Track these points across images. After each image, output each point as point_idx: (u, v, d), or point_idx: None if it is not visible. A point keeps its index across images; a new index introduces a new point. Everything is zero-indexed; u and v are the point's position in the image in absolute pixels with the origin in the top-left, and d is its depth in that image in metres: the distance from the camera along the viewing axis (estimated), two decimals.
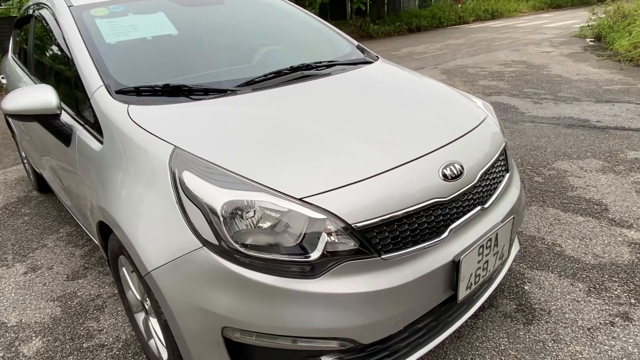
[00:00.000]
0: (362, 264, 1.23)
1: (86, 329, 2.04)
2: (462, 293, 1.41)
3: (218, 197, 1.22)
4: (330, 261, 1.20)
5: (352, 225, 1.21)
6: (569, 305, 1.95)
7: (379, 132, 1.51)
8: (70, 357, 1.88)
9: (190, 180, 1.28)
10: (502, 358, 1.70)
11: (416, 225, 1.32)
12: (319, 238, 1.20)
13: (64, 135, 1.87)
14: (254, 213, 1.20)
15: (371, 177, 1.31)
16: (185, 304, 1.25)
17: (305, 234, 1.19)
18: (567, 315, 1.89)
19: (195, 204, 1.24)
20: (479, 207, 1.51)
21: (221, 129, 1.47)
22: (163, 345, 1.58)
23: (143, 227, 1.32)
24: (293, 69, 1.95)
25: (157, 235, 1.28)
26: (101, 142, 1.61)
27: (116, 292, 2.30)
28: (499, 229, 1.52)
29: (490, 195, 1.59)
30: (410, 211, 1.30)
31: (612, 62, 7.39)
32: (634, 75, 6.33)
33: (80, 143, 1.76)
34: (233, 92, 1.72)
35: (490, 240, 1.48)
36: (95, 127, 1.68)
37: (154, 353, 1.69)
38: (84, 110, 1.78)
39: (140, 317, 1.78)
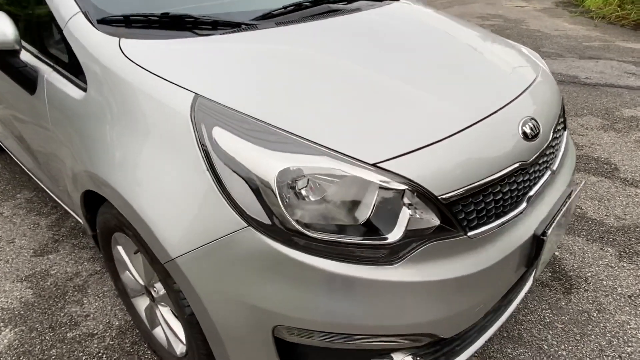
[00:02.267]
0: (446, 245, 1.00)
1: (68, 314, 1.72)
2: (540, 270, 1.24)
3: (270, 164, 0.92)
4: (412, 243, 0.96)
5: (439, 197, 0.97)
6: (603, 271, 1.86)
7: (441, 81, 1.24)
8: (53, 350, 1.58)
9: (226, 139, 0.97)
10: (550, 332, 1.59)
11: (500, 195, 1.11)
12: (398, 214, 0.95)
13: (26, 80, 1.45)
14: (318, 184, 0.93)
15: (449, 136, 1.05)
16: (224, 298, 0.98)
17: (382, 209, 0.94)
18: (604, 282, 1.80)
19: (235, 172, 0.94)
20: (549, 172, 1.31)
21: (249, 73, 1.15)
22: (178, 338, 1.32)
23: (161, 202, 1.00)
24: (315, 1, 1.60)
25: (183, 212, 0.98)
26: (83, 89, 1.24)
27: (98, 269, 1.97)
28: (574, 197, 1.34)
29: (556, 156, 1.39)
30: (496, 178, 1.08)
31: (584, 18, 7.37)
32: (610, 33, 6.33)
33: (50, 90, 1.36)
34: (251, 26, 1.37)
35: (568, 210, 1.30)
36: (71, 68, 1.29)
37: (161, 344, 1.43)
38: (54, 45, 1.37)
39: (141, 302, 1.49)
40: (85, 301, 1.79)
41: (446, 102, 1.15)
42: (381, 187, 0.93)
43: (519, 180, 1.16)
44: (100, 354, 1.56)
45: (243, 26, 1.36)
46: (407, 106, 1.10)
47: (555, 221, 1.22)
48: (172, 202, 0.99)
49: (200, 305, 1.01)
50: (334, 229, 0.93)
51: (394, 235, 0.94)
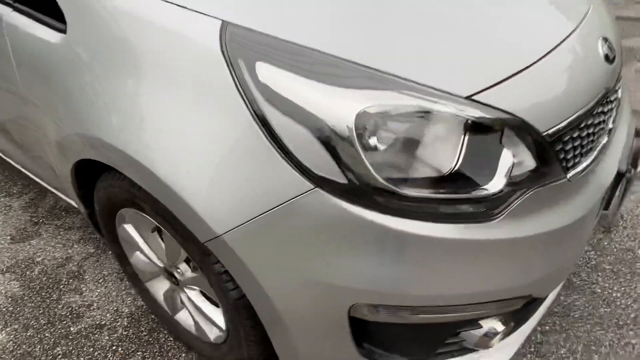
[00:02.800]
0: (546, 192, 0.84)
1: (67, 306, 1.50)
2: (616, 214, 1.12)
3: (345, 105, 0.71)
4: (514, 192, 0.80)
5: (543, 133, 0.80)
6: (636, 207, 1.80)
7: (509, 8, 1.04)
8: (58, 348, 1.37)
9: (276, 78, 0.74)
10: (599, 274, 1.51)
11: (592, 128, 0.95)
12: (498, 159, 0.78)
13: None
14: (406, 126, 0.73)
15: (537, 61, 0.86)
16: (288, 278, 0.80)
17: (480, 153, 0.76)
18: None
19: (294, 120, 0.73)
20: (617, 101, 1.16)
21: None
22: (212, 323, 1.13)
23: (197, 167, 0.78)
24: None
25: (227, 178, 0.76)
26: (61, 30, 0.96)
27: (92, 251, 1.73)
28: None
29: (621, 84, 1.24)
30: (590, 108, 0.91)
31: None
32: None
33: (14, 36, 1.06)
34: None
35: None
36: (40, 2, 1.00)
37: (187, 330, 1.25)
38: None
39: (158, 286, 1.28)
40: (84, 289, 1.56)
41: (521, 27, 0.95)
42: (478, 125, 0.74)
43: (605, 111, 1.00)
44: (114, 347, 1.36)
45: None
46: (485, 35, 0.89)
47: (632, 156, 1.09)
48: (212, 166, 0.77)
49: (255, 288, 0.82)
50: (426, 184, 0.74)
51: (495, 185, 0.76)
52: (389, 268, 0.77)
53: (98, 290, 1.55)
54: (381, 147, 0.71)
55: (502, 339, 0.97)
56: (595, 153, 0.96)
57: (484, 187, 0.76)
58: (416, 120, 0.72)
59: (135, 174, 0.87)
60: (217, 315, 1.10)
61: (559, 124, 0.82)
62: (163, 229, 0.98)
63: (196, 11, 0.81)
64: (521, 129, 0.76)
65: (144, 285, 1.31)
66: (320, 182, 0.73)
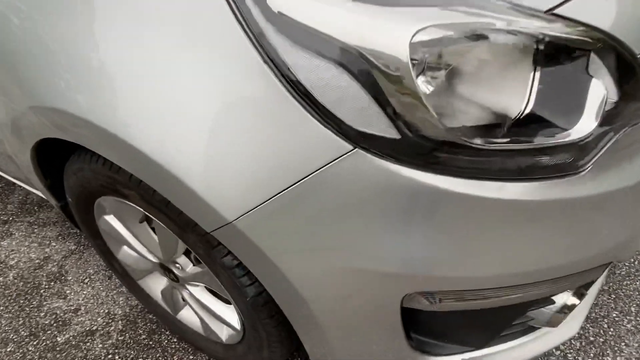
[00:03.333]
0: (629, 135, 0.68)
1: (50, 313, 1.31)
2: None
3: (393, 28, 0.51)
4: (604, 136, 0.63)
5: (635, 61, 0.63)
6: None
7: None
8: None
9: (293, 2, 0.55)
10: None
11: None
12: (587, 92, 0.60)
13: None
14: (475, 55, 0.54)
15: None
16: (322, 268, 0.62)
17: (563, 84, 0.59)
18: None
19: (323, 58, 0.53)
20: None
21: None
22: (223, 322, 0.96)
23: (191, 136, 0.58)
24: None
25: (237, 146, 0.57)
26: None
27: (73, 247, 1.53)
28: None
29: None
30: None
31: None
32: None
33: None
34: None
35: None
36: None
37: (192, 329, 1.08)
38: None
39: (154, 283, 1.09)
40: (68, 291, 1.37)
41: None
42: (564, 48, 0.57)
43: None
44: (110, 356, 1.19)
45: None
46: None
47: None
48: (214, 134, 0.58)
49: (280, 282, 0.65)
50: (501, 131, 0.57)
51: (585, 128, 0.59)
52: (455, 245, 0.59)
53: (84, 292, 1.37)
54: (443, 85, 0.53)
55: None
56: None
57: (569, 131, 0.59)
58: (486, 45, 0.53)
59: (111, 153, 0.67)
60: (229, 313, 0.93)
61: None
62: (154, 219, 0.79)
63: None
64: (616, 51, 0.59)
65: (137, 283, 1.13)
66: (362, 140, 0.54)
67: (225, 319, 0.93)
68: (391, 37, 0.50)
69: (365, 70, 0.52)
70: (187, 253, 0.92)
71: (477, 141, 0.54)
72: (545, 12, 0.56)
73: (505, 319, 0.76)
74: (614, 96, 0.62)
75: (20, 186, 1.39)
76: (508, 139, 0.55)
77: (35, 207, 1.71)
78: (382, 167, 0.55)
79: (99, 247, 1.10)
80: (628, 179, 0.65)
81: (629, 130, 0.64)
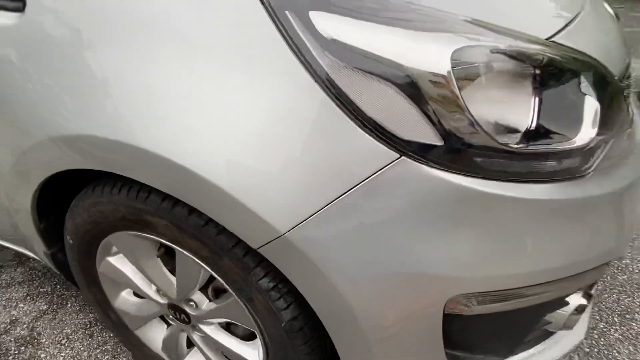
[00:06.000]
0: (617, 141, 0.79)
1: None
2: None
3: (431, 50, 0.58)
4: (600, 144, 0.72)
5: (615, 81, 0.74)
6: None
7: None
8: None
9: (338, 27, 0.59)
10: None
11: (628, 80, 0.93)
12: (583, 105, 0.70)
13: None
14: (495, 74, 0.62)
15: (575, 17, 0.82)
16: (369, 274, 0.63)
17: (573, 101, 0.68)
18: None
19: (369, 74, 0.59)
20: None
21: None
22: None
23: (240, 151, 0.60)
24: None
25: (286, 159, 0.59)
26: (15, 9, 0.73)
27: (44, 307, 1.39)
28: None
29: None
30: (629, 60, 0.89)
31: None
32: None
33: None
34: None
35: None
36: None
37: None
38: None
39: (153, 332, 1.02)
40: (43, 355, 1.23)
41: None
42: (563, 71, 0.67)
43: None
44: None
45: None
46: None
47: None
48: (264, 148, 0.61)
49: (328, 294, 0.64)
50: (527, 137, 0.64)
51: (586, 136, 0.68)
52: (493, 244, 0.64)
53: (63, 354, 1.23)
54: (478, 95, 0.60)
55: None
56: (631, 109, 0.95)
57: (575, 138, 0.68)
58: (514, 63, 0.62)
59: (152, 176, 0.66)
60: (248, 350, 0.89)
61: (620, 69, 0.78)
62: (180, 249, 0.77)
63: None
64: (601, 71, 0.70)
65: (134, 334, 1.05)
66: (408, 148, 0.60)
67: (244, 355, 0.88)
68: (434, 55, 0.58)
69: (410, 84, 0.58)
70: (202, 289, 0.88)
71: (512, 145, 0.61)
72: (546, 39, 0.67)
73: (528, 323, 0.79)
74: (607, 109, 0.74)
75: None
76: (541, 142, 0.63)
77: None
78: (427, 173, 0.60)
79: (94, 296, 1.02)
80: (618, 183, 0.75)
81: (616, 140, 0.75)
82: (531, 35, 0.65)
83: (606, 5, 1.07)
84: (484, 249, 0.63)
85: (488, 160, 0.61)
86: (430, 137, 0.59)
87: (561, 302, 0.80)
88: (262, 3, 0.61)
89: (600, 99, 0.69)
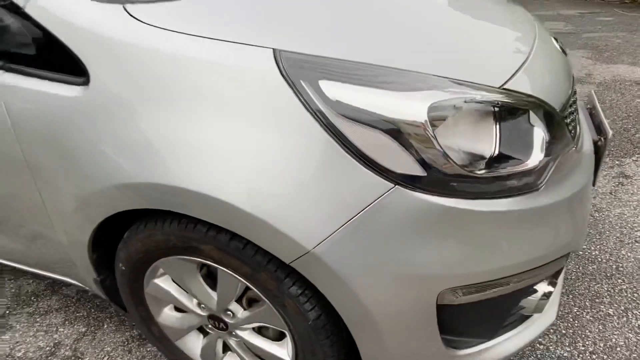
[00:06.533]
0: (565, 160, 0.98)
1: None
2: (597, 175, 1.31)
3: (412, 105, 0.78)
4: (548, 164, 0.92)
5: (557, 113, 0.94)
6: None
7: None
8: None
9: (341, 91, 0.79)
10: None
11: (573, 107, 1.13)
12: (532, 135, 0.90)
13: None
14: (463, 117, 0.82)
15: (525, 60, 1.03)
16: (379, 279, 0.82)
17: (518, 133, 0.88)
18: None
19: (367, 124, 0.78)
20: None
21: (298, 18, 0.95)
22: (274, 358, 1.09)
23: (274, 187, 0.79)
24: None
25: (307, 192, 0.79)
26: (79, 83, 0.91)
27: (83, 330, 1.54)
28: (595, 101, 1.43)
29: None
30: (573, 90, 1.10)
31: None
32: None
33: (11, 99, 0.97)
34: None
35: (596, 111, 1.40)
36: (47, 59, 0.94)
37: None
38: (1, 38, 0.98)
39: (193, 342, 1.19)
40: None
41: (498, 39, 1.11)
42: (513, 109, 0.87)
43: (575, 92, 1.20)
44: None
45: None
46: (475, 45, 1.04)
47: (595, 127, 1.31)
48: (291, 183, 0.79)
49: (348, 298, 0.83)
50: (488, 164, 0.83)
51: (536, 158, 0.88)
52: (470, 247, 0.83)
53: None
54: (450, 137, 0.80)
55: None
56: (578, 128, 1.15)
57: (525, 161, 0.88)
58: (470, 110, 0.82)
59: (203, 211, 0.85)
60: (279, 349, 1.06)
61: (561, 106, 0.98)
62: (222, 268, 0.94)
63: (245, 43, 0.84)
64: (545, 108, 0.90)
65: (175, 344, 1.22)
66: (400, 179, 0.79)
67: (276, 353, 1.06)
68: (414, 108, 0.77)
69: (397, 131, 0.78)
70: (237, 300, 1.06)
71: (477, 172, 0.80)
72: (498, 87, 0.87)
73: (505, 309, 0.98)
74: (547, 137, 0.94)
75: (12, 279, 1.41)
76: (497, 169, 0.83)
77: (32, 297, 1.71)
78: (416, 197, 0.79)
79: (140, 314, 1.19)
80: (567, 192, 0.95)
81: (561, 159, 0.95)
82: (488, 85, 0.86)
83: (554, 41, 1.29)
84: (464, 251, 0.83)
85: (461, 184, 0.81)
86: (416, 169, 0.79)
87: (531, 290, 0.99)
88: (283, 76, 0.81)
89: (546, 129, 0.89)
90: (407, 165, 0.79)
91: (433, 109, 0.78)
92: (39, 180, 1.04)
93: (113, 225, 1.06)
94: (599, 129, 1.29)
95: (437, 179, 0.79)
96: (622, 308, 1.42)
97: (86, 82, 0.91)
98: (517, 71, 0.95)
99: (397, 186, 0.79)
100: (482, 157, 0.82)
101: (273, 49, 0.84)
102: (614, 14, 5.90)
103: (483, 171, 0.81)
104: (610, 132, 1.22)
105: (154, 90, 0.86)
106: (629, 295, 1.47)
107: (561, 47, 1.29)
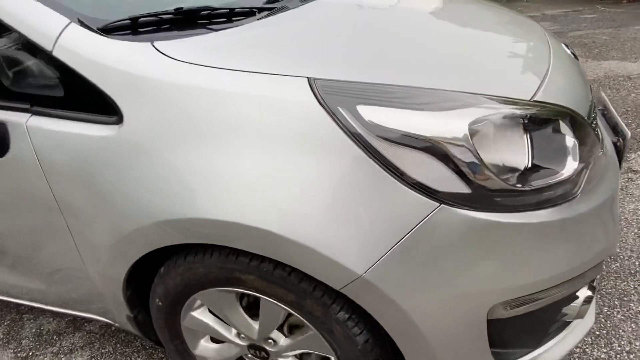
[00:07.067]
0: (596, 166, 1.00)
1: None
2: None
3: (452, 123, 0.79)
4: (583, 169, 0.93)
5: (585, 120, 0.96)
6: None
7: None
8: None
9: (380, 115, 0.80)
10: None
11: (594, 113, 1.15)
12: (566, 144, 0.91)
13: None
14: (501, 132, 0.83)
15: (547, 72, 1.05)
16: (430, 298, 0.82)
17: (558, 142, 0.89)
18: None
19: (409, 146, 0.79)
20: None
21: (327, 46, 0.97)
22: None
23: (319, 214, 0.79)
24: None
25: (353, 217, 0.79)
26: (111, 122, 0.91)
27: None
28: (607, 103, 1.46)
29: None
30: (593, 96, 1.12)
31: None
32: None
33: (41, 142, 0.97)
34: (284, 8, 1.17)
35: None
36: (76, 100, 0.94)
37: None
38: (25, 79, 0.99)
39: None
40: None
41: (518, 57, 1.12)
42: (548, 120, 0.88)
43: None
44: None
45: (275, 8, 1.16)
46: (503, 61, 1.06)
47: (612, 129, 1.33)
48: (337, 209, 0.79)
49: (400, 320, 0.83)
50: (528, 177, 0.84)
51: (571, 167, 0.89)
52: (516, 259, 0.84)
53: None
54: (490, 151, 0.81)
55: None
56: (599, 132, 1.17)
57: (561, 170, 0.89)
58: (506, 125, 0.83)
59: (249, 243, 0.84)
60: None
61: (588, 109, 1.00)
62: (265, 297, 0.94)
63: (279, 74, 0.85)
64: (574, 116, 0.92)
65: None
66: (445, 197, 0.79)
67: None
68: (454, 127, 0.78)
69: (439, 149, 0.78)
70: (278, 328, 1.05)
71: (518, 185, 0.81)
72: (529, 100, 0.88)
73: (549, 318, 0.98)
74: (578, 144, 0.95)
75: (31, 318, 1.39)
76: (531, 181, 0.83)
77: (54, 336, 1.68)
78: (461, 214, 0.80)
79: (175, 347, 1.17)
80: (601, 197, 0.96)
81: (594, 163, 0.96)
82: (520, 99, 0.87)
83: (564, 47, 1.31)
84: (512, 264, 0.83)
85: (504, 198, 0.81)
86: (460, 187, 0.79)
87: (573, 297, 1.00)
88: (320, 104, 0.81)
89: (576, 137, 0.91)
90: (451, 183, 0.79)
91: (473, 126, 0.79)
92: (70, 219, 1.03)
93: (146, 261, 1.05)
94: (615, 130, 1.31)
95: (480, 194, 0.80)
96: None
97: (118, 121, 0.91)
98: (542, 83, 0.96)
99: (442, 205, 0.79)
100: (521, 170, 0.83)
101: (307, 77, 0.85)
102: (597, 11, 6.03)
103: (524, 184, 0.82)
104: (629, 133, 1.24)
105: (190, 125, 0.86)
106: None
107: (572, 53, 1.31)
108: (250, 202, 0.82)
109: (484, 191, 0.80)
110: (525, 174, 0.84)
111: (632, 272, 1.56)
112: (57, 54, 0.92)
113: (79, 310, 1.37)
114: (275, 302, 0.94)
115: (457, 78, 0.91)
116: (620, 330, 1.36)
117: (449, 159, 0.79)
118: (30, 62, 0.97)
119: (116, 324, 1.32)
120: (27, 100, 0.99)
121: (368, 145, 0.80)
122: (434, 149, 0.79)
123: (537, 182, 0.84)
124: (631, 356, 1.28)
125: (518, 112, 0.83)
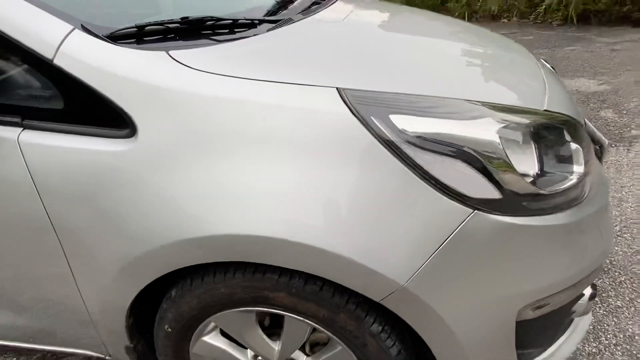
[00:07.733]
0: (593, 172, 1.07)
1: None
2: None
3: (483, 132, 0.81)
4: (586, 175, 0.99)
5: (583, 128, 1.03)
6: None
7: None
8: None
9: (412, 124, 0.80)
10: None
11: None
12: (573, 150, 0.96)
13: None
14: (526, 139, 0.86)
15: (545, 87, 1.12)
16: (467, 305, 0.83)
17: (567, 148, 0.94)
18: None
19: (442, 154, 0.80)
20: None
21: (349, 58, 0.98)
22: None
23: (355, 224, 0.78)
24: None
25: (389, 227, 0.78)
26: (122, 136, 0.84)
27: None
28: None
29: None
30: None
31: None
32: None
33: (36, 158, 0.87)
34: (289, 20, 1.14)
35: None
36: (78, 112, 0.86)
37: None
38: (19, 92, 0.89)
39: None
40: None
41: (519, 73, 1.19)
42: (558, 128, 0.93)
43: None
44: None
45: (283, 21, 1.15)
46: (508, 77, 1.12)
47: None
48: (373, 219, 0.78)
49: (439, 329, 0.83)
50: (544, 183, 0.88)
51: (579, 171, 0.95)
52: (543, 260, 0.87)
53: None
54: (518, 158, 0.84)
55: None
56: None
57: (570, 175, 0.94)
58: (525, 133, 0.87)
59: (284, 258, 0.81)
60: None
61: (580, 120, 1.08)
62: (290, 314, 0.89)
63: (307, 84, 0.84)
64: (577, 125, 0.98)
65: None
66: (478, 203, 0.81)
67: None
68: (485, 134, 0.81)
69: (472, 157, 0.80)
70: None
71: (543, 189, 0.84)
72: (545, 110, 0.94)
73: (562, 316, 1.03)
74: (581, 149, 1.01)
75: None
76: (553, 186, 0.87)
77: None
78: (494, 219, 0.82)
79: None
80: (603, 198, 1.03)
81: (592, 168, 1.03)
82: (536, 109, 0.92)
83: (545, 63, 1.41)
84: (539, 266, 0.86)
85: (531, 203, 0.85)
86: (492, 192, 0.81)
87: (581, 294, 1.05)
88: (353, 113, 0.81)
89: (578, 143, 0.97)
90: (484, 189, 0.81)
91: (501, 133, 0.82)
92: (67, 243, 0.93)
93: (150, 286, 0.97)
94: (592, 139, 1.42)
95: (511, 199, 0.83)
96: (627, 299, 1.54)
97: (130, 134, 0.85)
98: (545, 94, 1.03)
99: (476, 211, 0.81)
100: (544, 175, 0.87)
101: (337, 87, 0.84)
102: (532, 33, 6.57)
103: (548, 188, 0.86)
104: (606, 141, 1.34)
105: (216, 137, 0.82)
106: (629, 286, 1.60)
107: (552, 67, 1.41)
108: (285, 215, 0.79)
109: (514, 196, 0.83)
110: (545, 179, 0.89)
111: (605, 269, 1.68)
112: (59, 62, 0.85)
113: (57, 345, 1.23)
114: (302, 319, 0.90)
115: (475, 89, 0.95)
116: (605, 325, 1.45)
117: (481, 166, 0.81)
118: (26, 71, 0.88)
119: (107, 358, 1.20)
120: (17, 114, 0.90)
121: (403, 153, 0.80)
122: (467, 155, 0.81)
123: (555, 187, 0.88)
124: (618, 348, 1.37)
125: (541, 120, 0.88)
